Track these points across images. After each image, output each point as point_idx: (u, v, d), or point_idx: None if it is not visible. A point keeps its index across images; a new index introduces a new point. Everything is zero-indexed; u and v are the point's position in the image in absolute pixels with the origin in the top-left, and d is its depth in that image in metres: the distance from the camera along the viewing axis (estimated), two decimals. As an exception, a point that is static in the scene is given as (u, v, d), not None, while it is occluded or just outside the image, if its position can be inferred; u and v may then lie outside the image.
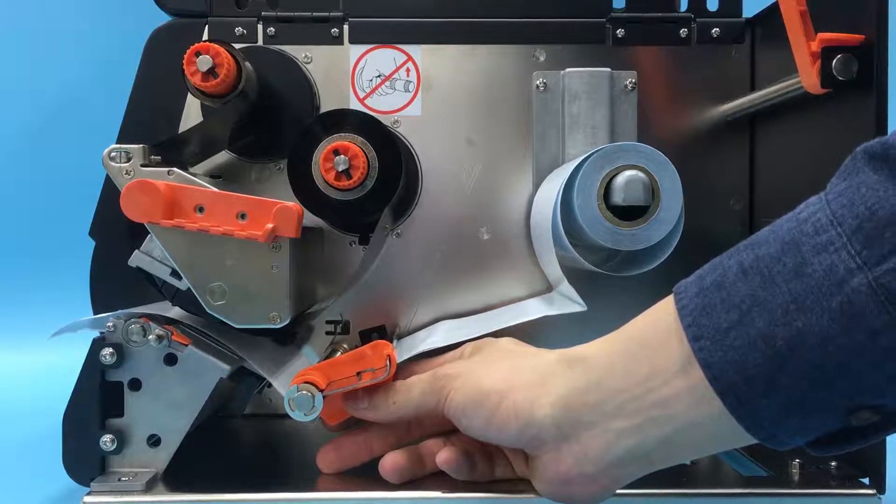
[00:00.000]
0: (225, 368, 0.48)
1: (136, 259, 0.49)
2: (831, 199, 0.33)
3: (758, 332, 0.33)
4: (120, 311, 0.50)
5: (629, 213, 0.50)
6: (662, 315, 0.37)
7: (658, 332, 0.37)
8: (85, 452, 0.47)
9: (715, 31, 0.61)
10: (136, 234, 0.48)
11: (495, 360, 0.47)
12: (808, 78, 0.47)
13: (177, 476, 0.48)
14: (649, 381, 0.37)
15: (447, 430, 0.48)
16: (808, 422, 0.34)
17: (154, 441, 0.48)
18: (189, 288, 0.47)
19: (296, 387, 0.45)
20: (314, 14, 0.60)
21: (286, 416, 0.46)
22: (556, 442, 0.40)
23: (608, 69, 0.59)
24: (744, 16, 0.62)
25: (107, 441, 0.47)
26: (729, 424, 0.35)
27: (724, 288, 0.35)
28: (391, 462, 0.47)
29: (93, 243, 0.60)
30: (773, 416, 0.34)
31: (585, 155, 0.51)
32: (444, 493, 0.45)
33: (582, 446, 0.39)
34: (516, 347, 0.49)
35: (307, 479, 0.48)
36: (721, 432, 0.36)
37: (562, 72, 0.60)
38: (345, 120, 0.52)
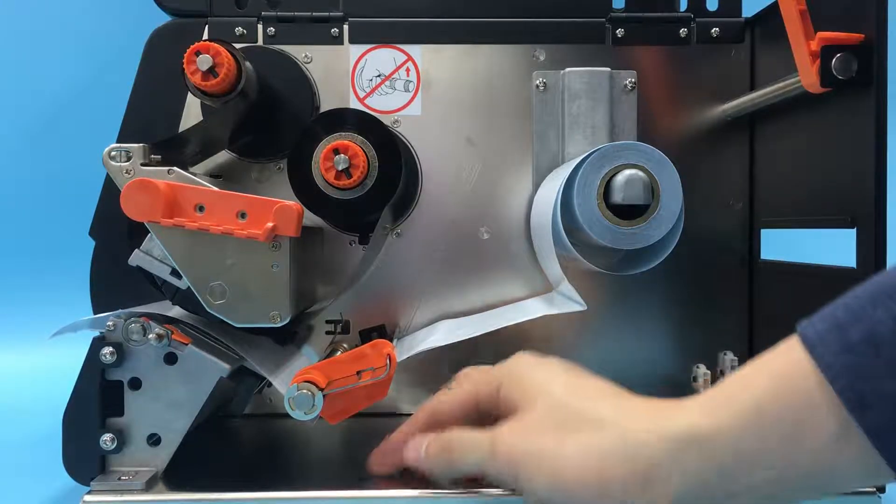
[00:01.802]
0: (225, 368, 0.48)
1: (136, 258, 0.49)
2: None
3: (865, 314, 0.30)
4: (120, 310, 0.50)
5: (629, 213, 0.50)
6: (797, 376, 0.32)
7: (797, 400, 0.32)
8: (85, 452, 0.47)
9: (715, 30, 0.61)
10: (136, 233, 0.48)
11: (565, 426, 0.38)
12: (807, 77, 0.48)
13: (177, 475, 0.48)
14: (792, 456, 0.32)
15: None
16: None
17: (154, 440, 0.48)
18: (189, 287, 0.47)
19: (296, 386, 0.45)
20: (314, 14, 0.61)
21: (286, 415, 0.46)
22: None
23: (608, 69, 0.59)
24: (743, 16, 0.62)
25: (107, 440, 0.47)
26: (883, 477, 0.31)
27: (883, 349, 0.30)
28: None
29: (93, 243, 0.60)
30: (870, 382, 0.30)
31: (585, 154, 0.51)
32: (442, 490, 0.45)
33: None
34: (572, 394, 0.40)
35: (307, 479, 0.48)
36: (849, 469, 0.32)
37: (562, 71, 0.60)
38: (345, 119, 0.52)
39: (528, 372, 0.43)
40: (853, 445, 0.31)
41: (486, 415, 0.44)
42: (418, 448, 0.43)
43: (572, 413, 0.38)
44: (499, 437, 0.40)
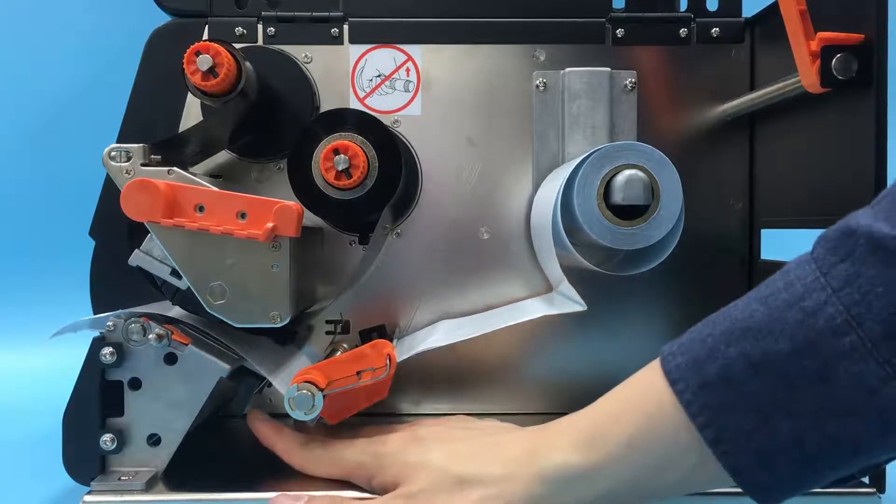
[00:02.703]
0: (225, 368, 0.48)
1: (136, 258, 0.49)
2: (836, 287, 0.32)
3: (784, 437, 0.33)
4: (120, 310, 0.50)
5: (629, 213, 0.50)
6: (662, 414, 0.36)
7: (664, 436, 0.36)
8: (85, 452, 0.47)
9: (715, 30, 0.61)
10: (136, 233, 0.48)
11: (450, 492, 0.41)
12: (807, 77, 0.47)
13: (177, 475, 0.48)
14: (660, 483, 0.37)
15: None
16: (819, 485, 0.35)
17: (154, 440, 0.48)
18: (189, 287, 0.47)
19: (296, 386, 0.45)
20: (314, 14, 0.60)
21: (286, 415, 0.46)
22: None
23: (608, 69, 0.59)
24: (743, 15, 0.62)
25: (107, 440, 0.47)
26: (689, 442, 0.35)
27: (736, 386, 0.34)
28: None
29: (93, 243, 0.60)
30: (792, 495, 0.35)
31: (585, 154, 0.51)
32: None
33: None
34: (450, 460, 0.42)
35: (307, 479, 0.48)
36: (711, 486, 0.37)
37: (562, 71, 0.60)
38: (345, 119, 0.52)
39: (402, 456, 0.44)
40: (710, 470, 0.35)
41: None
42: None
43: (454, 478, 0.41)
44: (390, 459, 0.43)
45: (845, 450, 0.33)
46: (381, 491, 0.44)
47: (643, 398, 0.37)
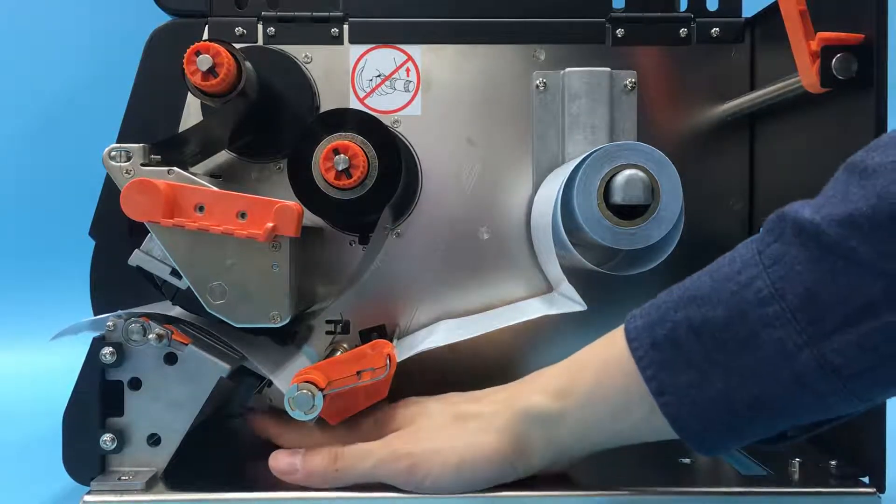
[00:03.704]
0: (225, 368, 0.48)
1: (136, 258, 0.49)
2: (767, 264, 0.37)
3: (717, 392, 0.38)
4: (120, 310, 0.50)
5: (629, 213, 0.50)
6: (619, 367, 0.41)
7: (619, 387, 0.41)
8: (85, 452, 0.47)
9: (714, 30, 0.61)
10: (137, 233, 0.48)
11: (447, 427, 0.47)
12: (807, 77, 0.48)
13: (177, 475, 0.48)
14: (618, 426, 0.42)
15: None
16: (748, 442, 0.41)
17: (154, 440, 0.48)
18: (189, 287, 0.47)
19: (296, 386, 0.45)
20: (314, 14, 0.60)
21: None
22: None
23: (608, 69, 0.59)
24: (743, 15, 0.62)
25: (107, 440, 0.47)
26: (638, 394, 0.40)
27: (679, 346, 0.39)
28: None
29: (93, 243, 0.60)
30: (725, 446, 0.40)
31: (585, 154, 0.51)
32: (441, 495, 0.45)
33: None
34: (446, 402, 0.50)
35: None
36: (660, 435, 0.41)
37: (562, 71, 0.60)
38: (345, 119, 0.52)
39: (402, 410, 0.50)
40: (657, 420, 0.40)
41: None
42: (293, 463, 0.47)
43: (452, 415, 0.47)
44: (391, 443, 0.46)
45: (767, 408, 0.37)
46: None
47: (607, 354, 0.42)
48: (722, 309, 0.37)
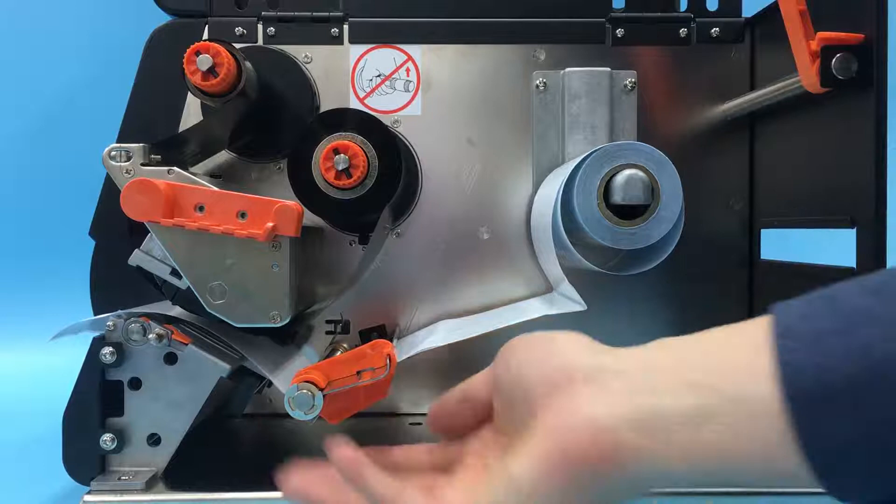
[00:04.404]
0: (225, 368, 0.48)
1: (136, 258, 0.49)
2: None
3: (860, 343, 0.27)
4: (120, 310, 0.50)
5: (629, 213, 0.50)
6: (754, 328, 0.30)
7: (741, 340, 0.30)
8: (85, 451, 0.47)
9: (714, 30, 0.61)
10: (137, 233, 0.48)
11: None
12: (807, 77, 0.48)
13: (176, 475, 0.48)
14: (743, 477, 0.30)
15: None
16: (879, 467, 0.28)
17: (154, 440, 0.48)
18: (189, 287, 0.47)
19: (296, 386, 0.45)
20: (314, 14, 0.60)
21: (286, 415, 0.46)
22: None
23: (608, 69, 0.59)
24: (743, 15, 0.62)
25: (107, 440, 0.47)
26: (787, 451, 0.28)
27: (836, 300, 0.29)
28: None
29: (93, 243, 0.60)
30: (840, 443, 0.28)
31: (585, 154, 0.51)
32: None
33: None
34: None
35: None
36: (771, 457, 0.29)
37: (562, 71, 0.60)
38: (345, 119, 0.52)
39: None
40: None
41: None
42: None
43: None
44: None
45: None
46: None
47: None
48: None
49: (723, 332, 0.32)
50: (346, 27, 0.61)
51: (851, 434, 0.27)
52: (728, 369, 0.30)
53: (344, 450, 0.36)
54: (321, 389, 0.45)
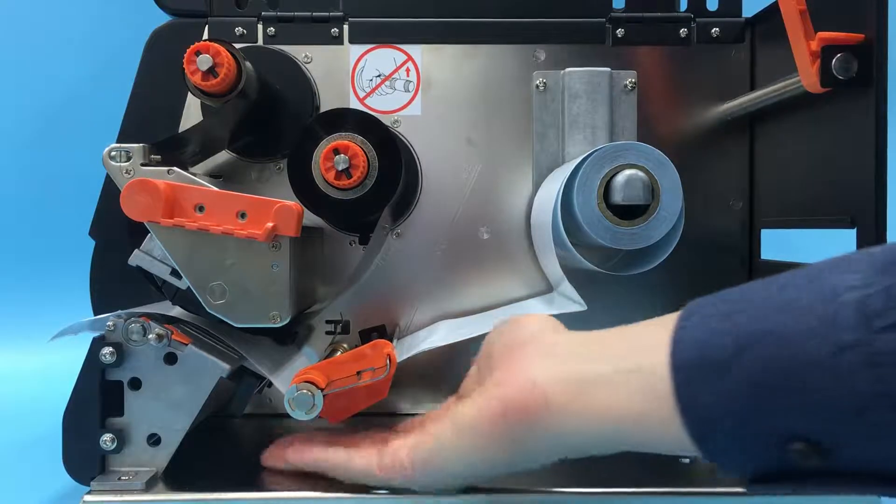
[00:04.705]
0: (225, 368, 0.48)
1: (136, 258, 0.49)
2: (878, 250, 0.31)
3: (738, 321, 0.32)
4: (120, 310, 0.50)
5: (629, 213, 0.50)
6: (671, 316, 0.36)
7: (658, 325, 0.36)
8: (85, 452, 0.47)
9: (715, 30, 0.61)
10: (137, 233, 0.48)
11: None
12: (807, 77, 0.48)
13: (177, 475, 0.48)
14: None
15: None
16: (744, 434, 0.32)
17: (154, 440, 0.48)
18: (189, 287, 0.47)
19: (296, 386, 0.45)
20: (314, 14, 0.61)
21: (286, 415, 0.46)
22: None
23: (608, 69, 0.59)
24: (744, 15, 0.62)
25: (107, 440, 0.47)
26: (670, 414, 0.33)
27: (734, 292, 0.34)
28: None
29: (93, 243, 0.60)
30: (711, 410, 0.32)
31: (585, 154, 0.51)
32: (441, 495, 0.45)
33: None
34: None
35: (307, 479, 0.48)
36: (660, 420, 0.34)
37: (562, 71, 0.60)
38: (345, 119, 0.52)
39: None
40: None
41: None
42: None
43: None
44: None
45: (775, 345, 0.31)
46: None
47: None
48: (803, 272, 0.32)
49: (652, 320, 0.38)
50: (346, 27, 0.61)
51: (720, 400, 0.32)
52: (640, 344, 0.36)
53: (279, 449, 0.48)
54: (321, 389, 0.45)
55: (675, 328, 0.34)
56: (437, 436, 0.41)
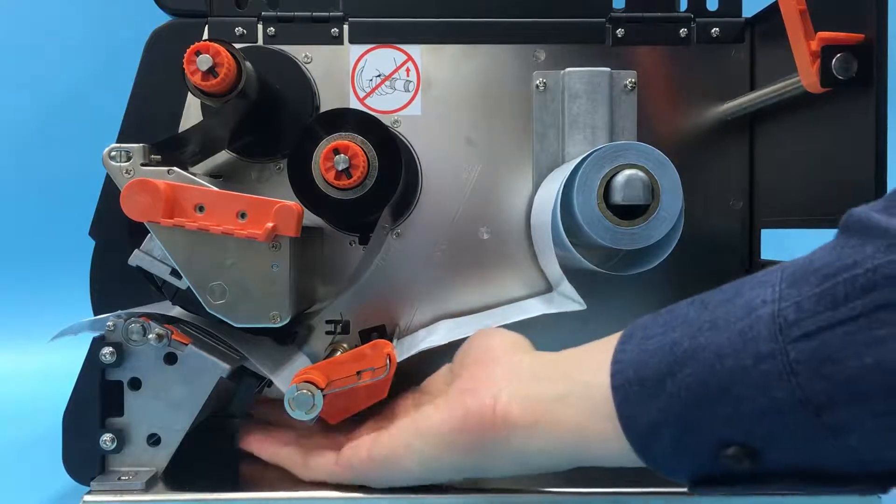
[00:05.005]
0: (225, 368, 0.48)
1: (136, 258, 0.49)
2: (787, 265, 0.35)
3: (671, 340, 0.35)
4: (120, 311, 0.50)
5: (629, 213, 0.50)
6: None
7: (606, 344, 0.38)
8: (85, 452, 0.47)
9: (715, 30, 0.61)
10: (137, 233, 0.48)
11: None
12: (807, 77, 0.47)
13: (177, 475, 0.48)
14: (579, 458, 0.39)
15: None
16: (681, 443, 0.35)
17: (154, 440, 0.48)
18: (189, 287, 0.47)
19: (296, 386, 0.45)
20: (314, 14, 0.61)
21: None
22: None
23: (608, 69, 0.59)
24: (743, 15, 0.62)
25: (107, 440, 0.47)
26: (615, 431, 0.36)
27: (672, 311, 0.37)
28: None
29: (93, 243, 0.60)
30: (650, 424, 0.35)
31: (585, 154, 0.51)
32: (441, 495, 0.45)
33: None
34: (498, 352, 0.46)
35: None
36: (606, 436, 0.37)
37: (562, 71, 0.60)
38: (345, 119, 0.52)
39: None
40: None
41: None
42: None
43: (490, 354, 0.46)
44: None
45: (705, 361, 0.34)
46: None
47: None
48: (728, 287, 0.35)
49: (600, 341, 0.40)
50: (346, 27, 0.61)
51: (657, 415, 0.35)
52: (589, 365, 0.38)
53: (250, 441, 0.51)
54: (321, 389, 0.45)
55: (615, 351, 0.37)
56: (398, 435, 0.43)
